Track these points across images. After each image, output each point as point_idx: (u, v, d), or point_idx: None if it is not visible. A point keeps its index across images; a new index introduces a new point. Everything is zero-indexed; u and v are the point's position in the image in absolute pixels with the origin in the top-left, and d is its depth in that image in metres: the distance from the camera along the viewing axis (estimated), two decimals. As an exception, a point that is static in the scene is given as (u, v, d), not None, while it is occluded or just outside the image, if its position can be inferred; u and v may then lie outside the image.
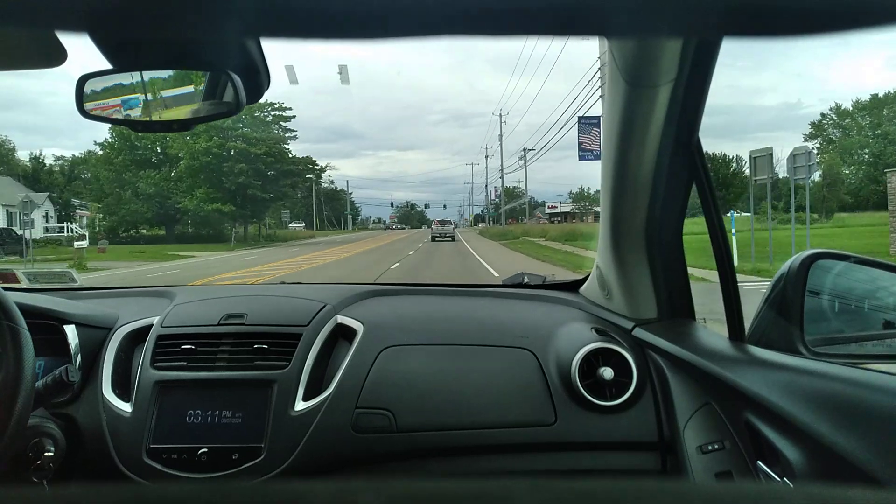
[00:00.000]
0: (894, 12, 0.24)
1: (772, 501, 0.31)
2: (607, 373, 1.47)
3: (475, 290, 2.08)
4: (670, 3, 0.24)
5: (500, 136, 58.11)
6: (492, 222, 74.58)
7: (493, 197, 74.86)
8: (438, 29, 0.26)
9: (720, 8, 0.24)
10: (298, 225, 62.86)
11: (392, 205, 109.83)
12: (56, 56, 0.58)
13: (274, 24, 0.26)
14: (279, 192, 40.73)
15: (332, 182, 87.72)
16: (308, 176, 54.17)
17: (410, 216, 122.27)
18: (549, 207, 74.16)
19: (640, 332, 1.58)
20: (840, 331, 1.26)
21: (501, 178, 60.56)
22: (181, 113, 0.85)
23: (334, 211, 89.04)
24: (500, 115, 57.57)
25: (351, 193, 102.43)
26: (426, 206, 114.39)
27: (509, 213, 79.43)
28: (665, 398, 1.45)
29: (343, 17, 0.25)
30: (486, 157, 70.39)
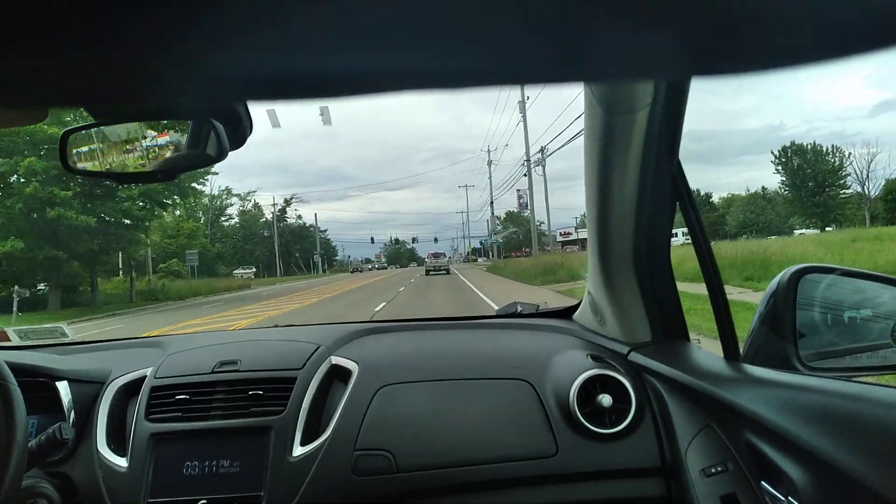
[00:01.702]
0: (859, 44, 0.25)
1: None
2: (606, 400, 1.46)
3: (469, 322, 2.08)
4: (642, 49, 0.25)
5: (489, 163, 53.61)
6: (494, 254, 64.92)
7: (496, 223, 65.85)
8: (416, 85, 0.26)
9: (689, 50, 0.25)
10: (247, 271, 55.47)
11: (372, 240, 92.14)
12: (37, 115, 0.59)
13: (257, 87, 0.27)
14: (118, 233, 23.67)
15: (299, 218, 78.97)
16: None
17: (399, 254, 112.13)
18: (560, 234, 61.51)
19: (635, 357, 1.57)
20: (834, 344, 1.26)
21: (491, 208, 55.65)
22: (165, 163, 0.86)
23: (306, 252, 77.76)
24: (489, 150, 54.99)
25: (325, 231, 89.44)
26: (414, 240, 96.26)
27: (513, 243, 72.78)
28: (665, 422, 1.44)
29: (328, 79, 0.26)
30: (489, 162, 55.18)
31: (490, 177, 54.56)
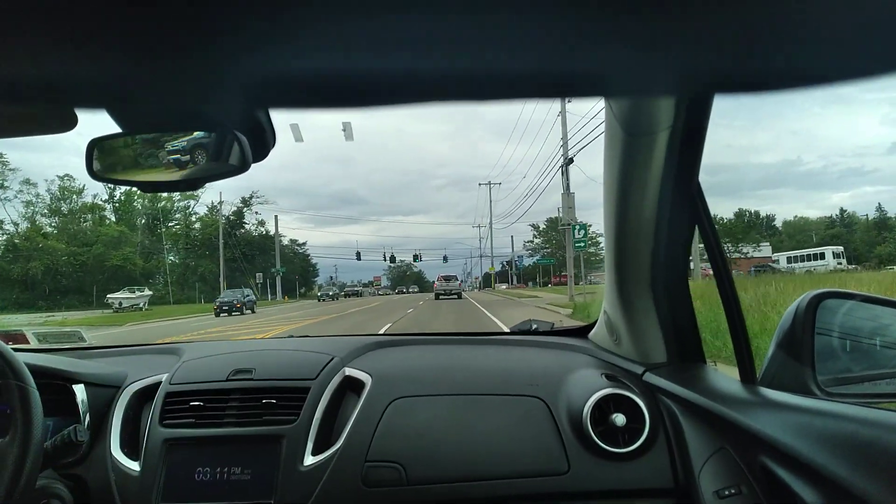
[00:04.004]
0: (877, 65, 0.25)
1: None
2: (619, 419, 1.45)
3: (483, 338, 2.08)
4: (663, 65, 0.25)
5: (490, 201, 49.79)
6: (514, 279, 57.05)
7: (529, 238, 56.53)
8: (439, 95, 0.27)
9: (712, 68, 0.26)
10: (131, 296, 34.13)
11: (358, 256, 62.35)
12: (68, 122, 0.60)
13: (281, 94, 0.27)
14: None
15: (261, 224, 59.19)
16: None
17: (406, 277, 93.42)
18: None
19: (650, 377, 1.56)
20: (852, 370, 1.25)
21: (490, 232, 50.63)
22: (189, 173, 0.87)
23: (271, 264, 55.08)
24: (489, 184, 48.77)
25: (305, 244, 69.23)
26: (415, 258, 67.35)
27: (536, 268, 59.45)
28: (679, 443, 1.43)
29: (348, 87, 0.26)
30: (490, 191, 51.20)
31: (490, 204, 50.47)
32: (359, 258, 63.39)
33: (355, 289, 63.70)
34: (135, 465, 1.48)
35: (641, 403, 1.47)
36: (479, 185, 73.26)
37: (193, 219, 56.52)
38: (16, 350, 1.29)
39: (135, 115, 0.75)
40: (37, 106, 0.49)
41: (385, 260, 68.04)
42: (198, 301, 44.54)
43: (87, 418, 1.55)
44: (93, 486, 1.47)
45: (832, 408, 1.03)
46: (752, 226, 46.10)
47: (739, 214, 46.98)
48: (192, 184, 0.90)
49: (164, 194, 48.21)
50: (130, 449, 1.53)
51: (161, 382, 1.64)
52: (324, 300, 42.66)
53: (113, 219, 50.77)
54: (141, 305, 34.10)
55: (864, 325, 1.24)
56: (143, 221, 54.27)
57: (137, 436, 1.56)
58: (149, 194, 46.58)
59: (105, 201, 51.07)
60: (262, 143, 0.83)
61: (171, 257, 53.12)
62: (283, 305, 37.09)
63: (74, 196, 48.70)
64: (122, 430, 1.56)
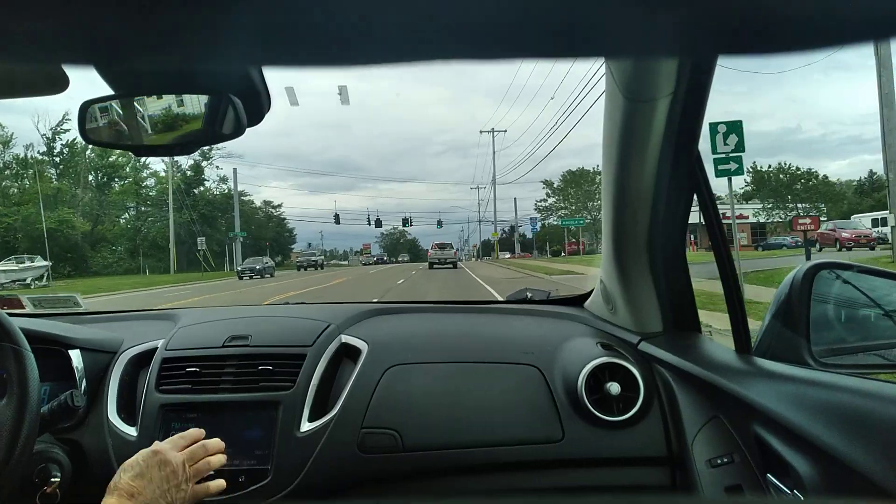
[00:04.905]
0: (886, 26, 0.24)
1: None
2: (614, 388, 1.46)
3: (479, 307, 2.08)
4: (666, 24, 0.24)
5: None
6: (519, 248, 51.10)
7: (541, 197, 49.56)
8: (438, 53, 0.26)
9: (716, 27, 0.25)
10: (23, 269, 26.80)
11: (336, 219, 57.86)
12: (59, 83, 0.59)
13: (276, 52, 0.26)
14: None
15: (222, 181, 51.68)
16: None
17: (399, 245, 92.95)
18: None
19: (645, 346, 1.57)
20: (846, 341, 1.25)
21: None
22: (182, 137, 0.86)
23: (251, 233, 50.74)
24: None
25: (280, 206, 62.85)
26: (405, 221, 63.73)
27: (550, 233, 54.05)
28: (673, 412, 1.44)
29: (345, 44, 0.25)
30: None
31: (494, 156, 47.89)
32: (337, 221, 58.60)
33: (312, 259, 46.23)
34: (132, 431, 1.49)
35: (636, 372, 1.48)
36: (481, 132, 68.45)
37: (145, 174, 48.97)
38: (11, 315, 1.28)
39: (126, 76, 0.74)
40: (23, 65, 0.48)
41: (370, 224, 62.51)
42: (142, 272, 38.35)
43: (84, 383, 1.56)
44: (90, 450, 1.48)
45: (826, 378, 1.03)
46: (795, 178, 42.16)
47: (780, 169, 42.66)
48: (186, 148, 0.88)
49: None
50: (127, 414, 1.54)
51: (157, 348, 1.64)
52: (246, 278, 31.82)
53: (55, 175, 43.99)
54: (28, 281, 26.35)
55: (860, 296, 1.24)
56: (91, 178, 46.43)
57: (134, 401, 1.57)
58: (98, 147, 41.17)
59: (43, 154, 43.94)
60: (257, 106, 0.82)
61: (124, 221, 46.78)
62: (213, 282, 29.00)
63: (0, 147, 41.82)
64: (119, 395, 1.56)
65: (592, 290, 1.92)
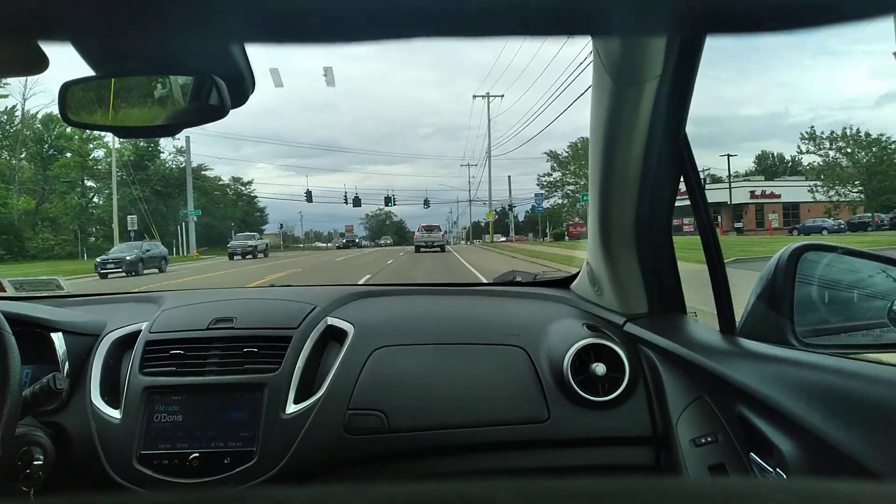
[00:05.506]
0: (871, 5, 0.24)
1: (764, 495, 0.31)
2: (599, 368, 1.47)
3: (466, 289, 2.08)
4: (655, 2, 0.24)
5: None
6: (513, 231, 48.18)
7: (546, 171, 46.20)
8: (425, 30, 0.25)
9: (704, 5, 0.25)
10: None
11: (308, 197, 52.13)
12: (38, 64, 0.57)
13: (259, 29, 0.26)
14: None
15: (179, 153, 45.86)
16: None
17: (385, 227, 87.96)
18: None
19: (631, 328, 1.58)
20: (830, 321, 1.26)
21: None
22: (166, 118, 0.85)
23: (218, 213, 45.96)
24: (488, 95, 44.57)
25: (250, 184, 58.71)
26: (388, 200, 57.39)
27: (549, 215, 48.73)
28: (658, 393, 1.45)
29: (330, 20, 0.25)
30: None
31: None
32: (309, 199, 52.64)
33: (248, 245, 32.14)
34: (115, 413, 1.48)
35: (622, 353, 1.49)
36: (474, 97, 63.14)
37: (91, 146, 42.26)
38: None
39: (107, 55, 0.72)
40: (3, 46, 0.46)
41: (347, 202, 56.09)
42: (80, 256, 32.65)
43: (67, 366, 1.54)
44: (73, 433, 1.47)
45: (809, 358, 1.05)
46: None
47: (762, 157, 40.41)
48: (169, 129, 0.87)
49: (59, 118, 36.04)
50: (111, 397, 1.53)
51: (141, 331, 1.63)
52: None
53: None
54: None
55: (844, 277, 1.25)
56: (37, 150, 41.01)
57: (118, 384, 1.56)
58: (41, 116, 37.83)
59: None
60: (241, 87, 0.80)
61: (72, 199, 40.29)
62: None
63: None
64: (102, 378, 1.55)
65: (579, 272, 1.93)
